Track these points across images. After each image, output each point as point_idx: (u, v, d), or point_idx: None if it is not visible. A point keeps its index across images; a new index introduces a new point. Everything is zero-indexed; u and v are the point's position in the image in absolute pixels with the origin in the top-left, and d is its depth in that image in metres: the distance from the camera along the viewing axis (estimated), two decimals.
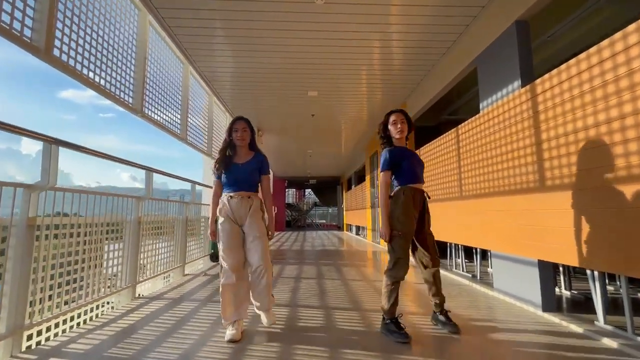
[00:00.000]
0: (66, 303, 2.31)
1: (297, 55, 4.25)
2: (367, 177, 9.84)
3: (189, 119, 4.78)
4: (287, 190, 21.70)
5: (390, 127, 2.34)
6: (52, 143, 2.09)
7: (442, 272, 2.36)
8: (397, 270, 2.14)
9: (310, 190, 25.29)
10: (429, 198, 2.36)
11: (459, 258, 4.41)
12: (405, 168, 2.26)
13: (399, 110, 2.36)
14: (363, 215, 10.54)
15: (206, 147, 5.61)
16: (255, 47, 4.05)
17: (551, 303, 2.53)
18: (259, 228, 2.16)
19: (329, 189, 22.06)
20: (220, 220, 2.18)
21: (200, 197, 5.71)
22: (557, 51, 3.99)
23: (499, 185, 2.96)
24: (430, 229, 2.31)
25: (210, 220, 2.26)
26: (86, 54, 2.59)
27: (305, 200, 25.60)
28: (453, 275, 4.14)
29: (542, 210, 2.40)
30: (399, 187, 2.27)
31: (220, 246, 2.16)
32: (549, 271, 2.58)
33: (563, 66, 2.23)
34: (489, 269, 4.32)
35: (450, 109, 6.21)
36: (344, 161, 12.99)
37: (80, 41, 2.52)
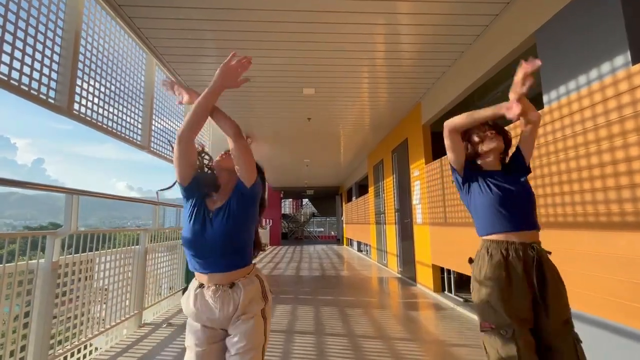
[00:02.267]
0: None
1: (292, 40, 3.30)
2: (371, 189, 8.86)
3: (155, 123, 3.81)
4: (283, 201, 20.59)
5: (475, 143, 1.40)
6: None
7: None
8: None
9: (307, 200, 24.20)
10: (549, 253, 1.29)
11: None
12: (480, 197, 1.28)
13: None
14: (366, 231, 9.53)
15: None
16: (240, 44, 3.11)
17: None
18: (249, 336, 1.15)
19: (328, 199, 21.04)
20: (189, 321, 1.24)
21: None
22: None
23: (587, 214, 2.00)
24: (567, 313, 1.23)
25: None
26: None
27: (302, 211, 24.45)
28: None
29: None
30: (482, 238, 1.29)
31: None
32: None
33: None
34: None
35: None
36: (344, 171, 12.03)
37: None
